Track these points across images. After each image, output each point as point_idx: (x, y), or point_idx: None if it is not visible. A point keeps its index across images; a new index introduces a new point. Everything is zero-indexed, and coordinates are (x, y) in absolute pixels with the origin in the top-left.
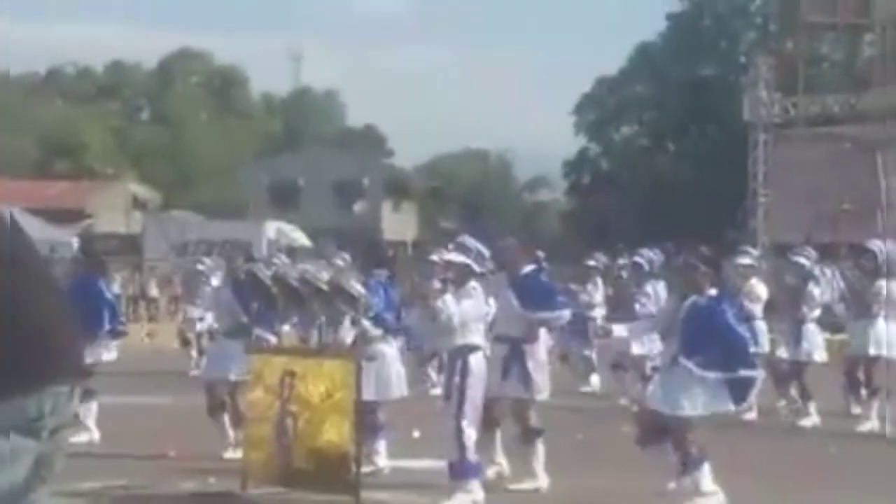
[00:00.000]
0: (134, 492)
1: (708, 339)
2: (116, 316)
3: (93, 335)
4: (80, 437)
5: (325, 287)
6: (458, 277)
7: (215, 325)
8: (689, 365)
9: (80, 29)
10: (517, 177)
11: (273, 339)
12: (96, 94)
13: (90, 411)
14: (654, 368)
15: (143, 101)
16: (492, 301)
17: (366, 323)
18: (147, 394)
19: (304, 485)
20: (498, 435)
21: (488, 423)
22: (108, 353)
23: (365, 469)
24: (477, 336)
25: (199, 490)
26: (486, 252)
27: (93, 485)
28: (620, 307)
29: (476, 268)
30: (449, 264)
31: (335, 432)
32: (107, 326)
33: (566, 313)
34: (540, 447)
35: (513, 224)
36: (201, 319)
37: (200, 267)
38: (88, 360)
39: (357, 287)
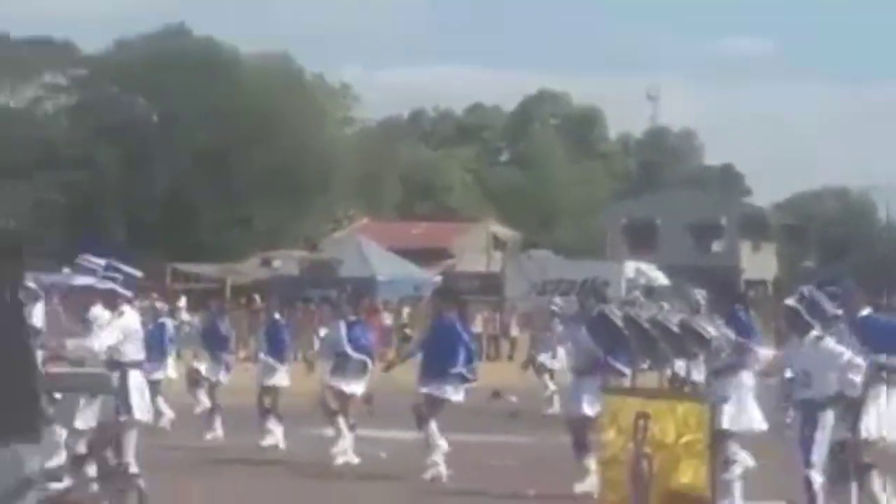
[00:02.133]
0: None
1: None
2: (470, 360)
3: (445, 374)
4: (432, 472)
5: (676, 329)
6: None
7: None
8: None
9: (441, 71)
10: (880, 216)
11: (627, 374)
12: (457, 135)
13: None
14: None
15: (502, 143)
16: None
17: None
18: (504, 433)
19: None
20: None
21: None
22: (457, 394)
23: None
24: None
25: None
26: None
27: None
28: None
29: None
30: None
31: (690, 475)
32: (459, 368)
33: None
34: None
35: (878, 263)
36: (553, 357)
37: (553, 307)
38: (439, 396)
39: (709, 329)
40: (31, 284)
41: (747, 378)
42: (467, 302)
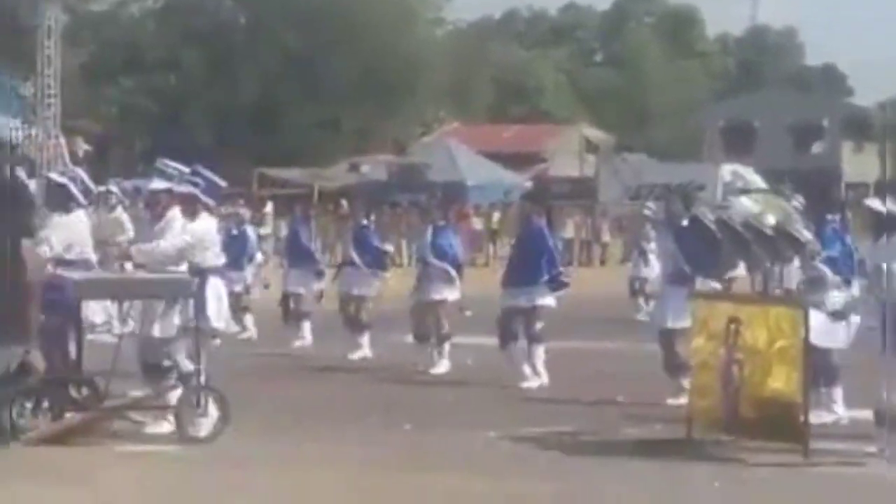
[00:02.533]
0: (580, 438)
1: None
2: (555, 265)
3: (533, 282)
4: (531, 383)
5: (769, 232)
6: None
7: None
8: None
9: None
10: None
11: (716, 285)
12: (551, 36)
13: (538, 356)
14: None
15: (596, 43)
16: None
17: (822, 267)
18: (595, 339)
19: (750, 433)
20: None
21: None
22: (542, 298)
23: (820, 419)
24: None
25: (644, 437)
26: None
27: (539, 429)
28: None
29: None
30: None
31: (782, 381)
32: (545, 276)
33: None
34: None
35: None
36: (647, 264)
37: (646, 212)
38: (528, 305)
39: (804, 232)
40: (114, 189)
41: (838, 294)
42: (552, 207)
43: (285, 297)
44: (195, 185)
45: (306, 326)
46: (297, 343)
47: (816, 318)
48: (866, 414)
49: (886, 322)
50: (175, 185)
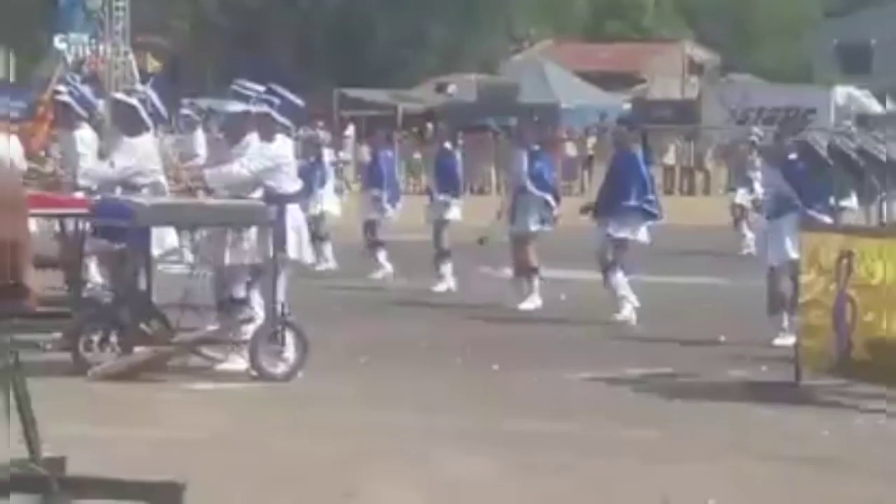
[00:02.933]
0: (680, 379)
1: None
2: (645, 194)
3: (621, 212)
4: (624, 312)
5: (885, 159)
6: None
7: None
8: None
9: None
10: None
11: (827, 218)
12: None
13: (623, 284)
14: None
15: None
16: None
17: None
18: (697, 274)
19: (863, 376)
20: None
21: None
22: (635, 234)
23: None
24: None
25: (749, 378)
26: None
27: (637, 370)
28: None
29: None
30: None
31: None
32: (632, 202)
33: None
34: None
35: None
36: (751, 193)
37: (752, 138)
38: (619, 236)
39: None
40: (187, 111)
41: None
42: (651, 132)
43: (367, 225)
44: (270, 104)
45: (382, 255)
46: (378, 274)
47: None
48: None
49: None
50: (252, 106)
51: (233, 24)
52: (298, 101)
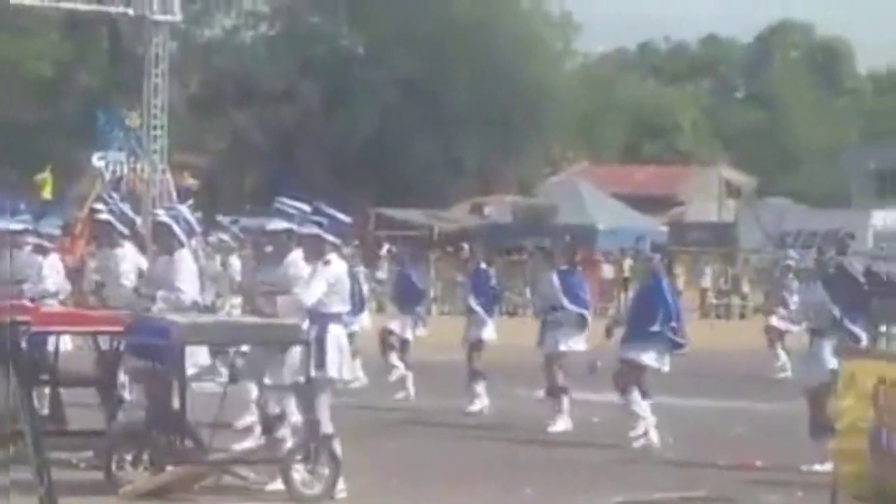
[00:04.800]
0: (713, 503)
1: None
2: (668, 321)
3: (645, 335)
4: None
5: None
6: None
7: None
8: None
9: (674, 1)
10: None
11: (864, 340)
12: (689, 70)
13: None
14: None
15: (738, 79)
16: None
17: None
18: (732, 398)
19: None
20: None
21: None
22: (658, 361)
23: None
24: None
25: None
26: None
27: (668, 495)
28: None
29: None
30: None
31: None
32: (655, 328)
33: None
34: None
35: None
36: (783, 318)
37: (789, 261)
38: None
39: None
40: (224, 237)
41: None
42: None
43: (385, 336)
44: (319, 224)
45: (408, 377)
46: (400, 394)
47: None
48: None
49: None
50: (296, 224)
51: (268, 142)
52: (346, 219)
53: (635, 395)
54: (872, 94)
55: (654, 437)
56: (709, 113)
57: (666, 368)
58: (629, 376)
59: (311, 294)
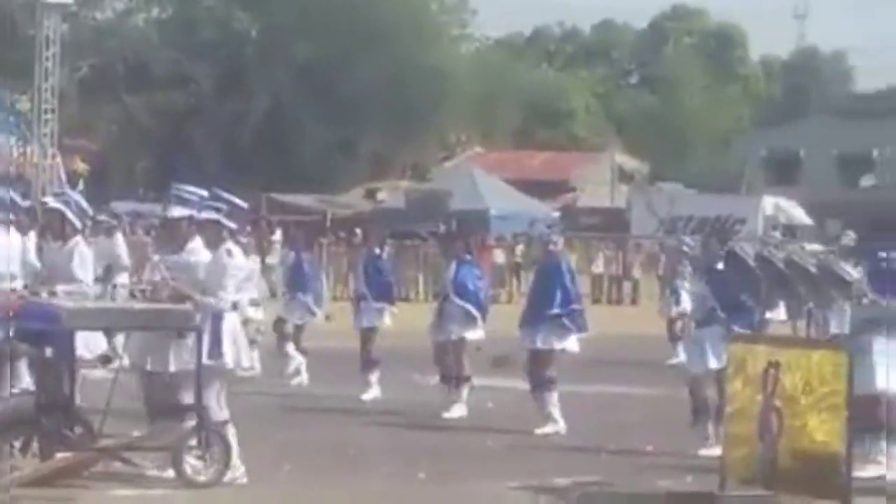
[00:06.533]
0: (607, 489)
1: None
2: (571, 303)
3: (546, 319)
4: (546, 429)
5: (814, 270)
6: None
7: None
8: None
9: None
10: None
11: (754, 325)
12: (583, 56)
13: (552, 402)
14: None
15: (632, 65)
16: None
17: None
18: (623, 383)
19: (788, 487)
20: None
21: None
22: (563, 342)
23: (865, 473)
24: None
25: (675, 488)
26: None
27: (563, 480)
28: None
29: None
30: None
31: (824, 431)
32: (557, 310)
33: None
34: None
35: None
36: (677, 304)
37: (684, 248)
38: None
39: (850, 271)
40: (103, 217)
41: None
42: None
43: (279, 324)
44: (217, 210)
45: (302, 362)
46: (295, 381)
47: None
48: None
49: None
50: (197, 211)
51: (160, 126)
52: (243, 205)
53: (548, 392)
54: (764, 80)
55: (560, 423)
56: (602, 98)
57: (576, 349)
58: (537, 361)
59: (227, 295)
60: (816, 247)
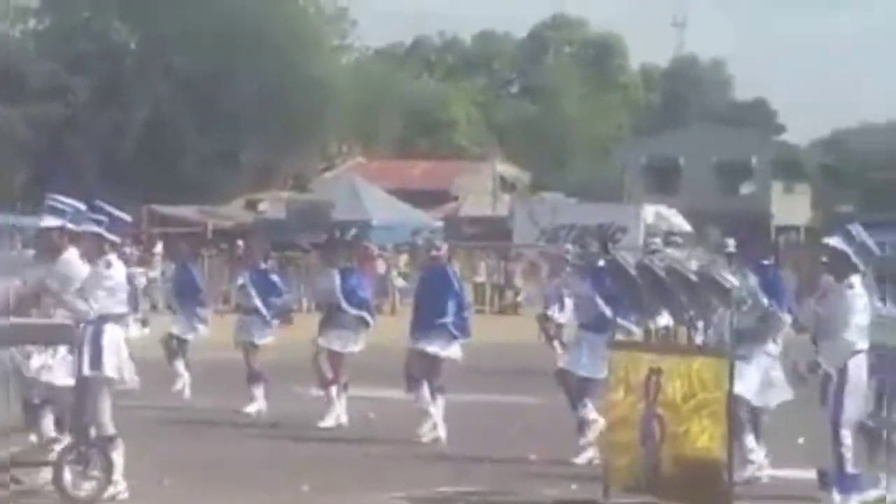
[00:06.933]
0: (492, 497)
1: None
2: (458, 311)
3: (434, 327)
4: (429, 435)
5: (694, 277)
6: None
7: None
8: None
9: None
10: None
11: (636, 333)
12: (464, 66)
13: (437, 407)
14: None
15: (512, 74)
16: None
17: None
18: (506, 392)
19: (671, 493)
20: None
21: None
22: (448, 349)
23: (743, 476)
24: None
25: (560, 497)
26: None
27: (446, 489)
28: None
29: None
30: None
31: (706, 437)
32: (447, 319)
33: None
34: None
35: None
36: (561, 311)
37: (566, 256)
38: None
39: (730, 278)
40: None
41: (773, 347)
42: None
43: (168, 340)
44: (98, 222)
45: (186, 376)
46: (177, 388)
47: (747, 370)
48: (793, 473)
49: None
50: (70, 222)
51: (37, 138)
52: (127, 217)
53: (424, 389)
54: (644, 88)
55: (442, 432)
56: (483, 108)
57: (459, 356)
58: (421, 369)
59: (92, 305)
60: (699, 253)
